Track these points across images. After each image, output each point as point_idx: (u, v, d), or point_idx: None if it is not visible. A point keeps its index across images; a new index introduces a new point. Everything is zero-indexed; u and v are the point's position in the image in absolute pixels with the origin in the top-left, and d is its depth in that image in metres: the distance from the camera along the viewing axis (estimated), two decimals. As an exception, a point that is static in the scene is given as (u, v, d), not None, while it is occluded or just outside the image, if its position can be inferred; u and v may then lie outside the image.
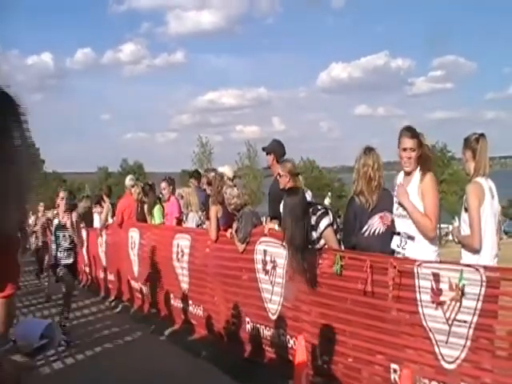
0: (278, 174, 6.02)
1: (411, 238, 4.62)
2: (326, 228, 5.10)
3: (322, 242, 5.12)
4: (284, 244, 5.33)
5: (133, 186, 10.17)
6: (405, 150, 4.69)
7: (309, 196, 5.99)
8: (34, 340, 1.98)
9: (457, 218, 4.98)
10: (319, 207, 5.30)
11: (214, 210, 6.77)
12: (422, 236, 4.57)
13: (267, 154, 6.68)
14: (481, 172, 4.49)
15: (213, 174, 7.24)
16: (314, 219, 5.11)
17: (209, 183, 7.18)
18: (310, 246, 5.07)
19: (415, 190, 4.64)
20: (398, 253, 4.66)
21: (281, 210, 5.39)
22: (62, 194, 8.09)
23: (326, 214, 5.21)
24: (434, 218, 4.53)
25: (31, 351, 1.96)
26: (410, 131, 4.71)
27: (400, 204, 4.72)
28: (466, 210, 4.44)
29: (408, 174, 4.76)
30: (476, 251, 4.36)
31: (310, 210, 5.18)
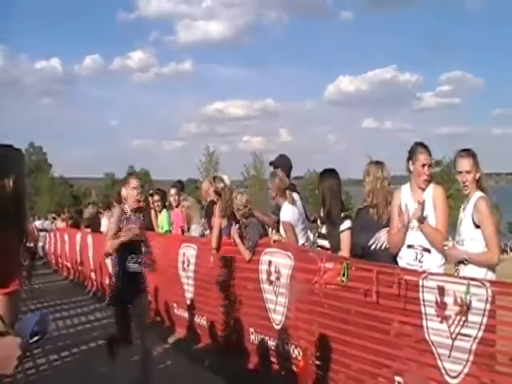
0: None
1: (427, 250, 4.62)
2: (347, 229, 5.19)
3: (347, 223, 5.29)
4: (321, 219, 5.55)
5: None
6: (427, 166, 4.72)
7: (298, 199, 6.08)
8: (25, 337, 2.03)
9: (450, 238, 4.94)
10: (346, 208, 5.55)
11: (218, 222, 6.82)
12: (434, 249, 4.58)
13: (274, 168, 6.63)
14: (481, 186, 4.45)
15: (222, 184, 7.20)
16: (342, 214, 5.28)
17: (217, 193, 7.08)
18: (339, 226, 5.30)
19: (430, 204, 4.64)
20: (415, 266, 4.61)
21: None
22: None
23: (350, 217, 5.39)
24: (445, 230, 4.58)
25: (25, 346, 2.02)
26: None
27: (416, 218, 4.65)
28: (478, 226, 4.27)
29: (421, 189, 4.73)
30: (494, 266, 4.30)
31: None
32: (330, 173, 5.62)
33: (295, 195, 6.14)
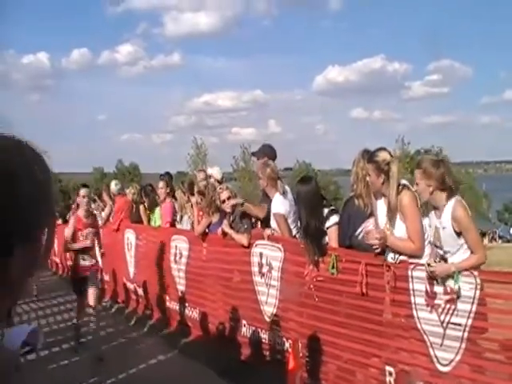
0: (258, 176, 5.99)
1: None
2: (333, 224, 5.13)
3: (326, 239, 5.15)
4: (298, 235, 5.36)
5: (119, 192, 10.26)
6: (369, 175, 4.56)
7: (288, 190, 5.99)
8: (15, 348, 1.99)
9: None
10: (330, 203, 5.41)
11: (206, 221, 6.81)
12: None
13: (257, 158, 6.51)
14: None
15: (204, 183, 7.13)
16: (325, 212, 5.17)
17: (201, 193, 6.97)
18: (323, 236, 5.11)
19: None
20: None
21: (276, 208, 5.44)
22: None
23: (336, 211, 5.30)
24: (418, 237, 4.26)
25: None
26: (367, 156, 4.59)
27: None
28: (459, 234, 4.02)
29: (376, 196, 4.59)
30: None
31: (324, 201, 5.26)
32: (305, 183, 5.31)
33: (286, 186, 6.09)
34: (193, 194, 7.35)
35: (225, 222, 6.44)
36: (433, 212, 4.23)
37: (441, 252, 4.13)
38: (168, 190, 8.85)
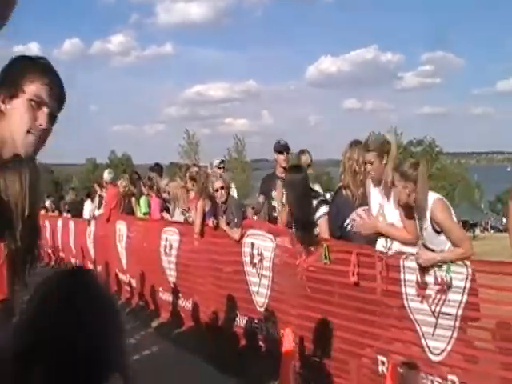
0: None
1: None
2: (323, 215, 5.11)
3: (317, 230, 5.13)
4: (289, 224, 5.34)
5: (113, 181, 10.20)
6: (364, 163, 4.56)
7: (318, 189, 5.98)
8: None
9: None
10: (319, 193, 5.35)
11: (201, 206, 6.74)
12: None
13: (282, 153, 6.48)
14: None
15: (196, 169, 7.14)
16: (314, 202, 5.13)
17: (192, 179, 7.01)
18: (312, 225, 5.07)
19: (392, 201, 4.44)
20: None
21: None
22: None
23: (325, 201, 5.25)
24: (411, 226, 4.22)
25: None
26: (368, 144, 4.53)
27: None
28: (439, 232, 3.97)
29: (377, 184, 4.57)
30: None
31: (312, 193, 5.22)
32: (296, 172, 5.22)
33: None
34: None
35: (221, 219, 6.43)
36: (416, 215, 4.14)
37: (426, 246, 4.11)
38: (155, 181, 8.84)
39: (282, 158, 6.43)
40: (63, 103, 1.97)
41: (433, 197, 4.00)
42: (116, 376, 1.03)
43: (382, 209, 4.54)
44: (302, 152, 6.25)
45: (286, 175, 5.31)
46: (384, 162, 4.42)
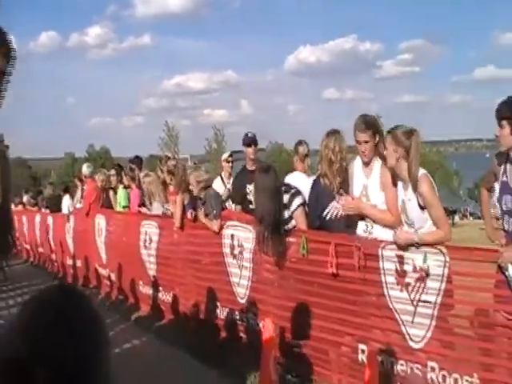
0: None
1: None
2: (297, 207, 5.09)
3: (294, 222, 5.11)
4: (253, 226, 5.33)
5: (92, 174, 10.10)
6: (358, 143, 4.58)
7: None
8: None
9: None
10: (292, 186, 5.30)
11: (181, 199, 6.70)
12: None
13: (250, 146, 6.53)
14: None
15: (173, 162, 7.08)
16: (286, 198, 5.10)
17: (170, 172, 7.00)
18: (281, 226, 5.05)
19: (376, 182, 4.54)
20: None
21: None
22: None
23: (298, 193, 5.20)
24: (395, 209, 4.30)
25: None
26: (364, 123, 4.56)
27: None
28: (423, 207, 4.01)
29: (367, 164, 4.65)
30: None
31: (283, 188, 5.18)
32: (264, 170, 5.26)
33: None
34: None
35: (200, 212, 6.38)
36: (400, 184, 4.21)
37: (407, 227, 4.15)
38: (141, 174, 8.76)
39: (250, 150, 6.52)
40: (11, 58, 1.92)
41: (421, 171, 4.05)
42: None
43: (365, 190, 4.60)
44: (300, 143, 6.26)
45: (255, 177, 5.33)
46: (376, 140, 4.53)
